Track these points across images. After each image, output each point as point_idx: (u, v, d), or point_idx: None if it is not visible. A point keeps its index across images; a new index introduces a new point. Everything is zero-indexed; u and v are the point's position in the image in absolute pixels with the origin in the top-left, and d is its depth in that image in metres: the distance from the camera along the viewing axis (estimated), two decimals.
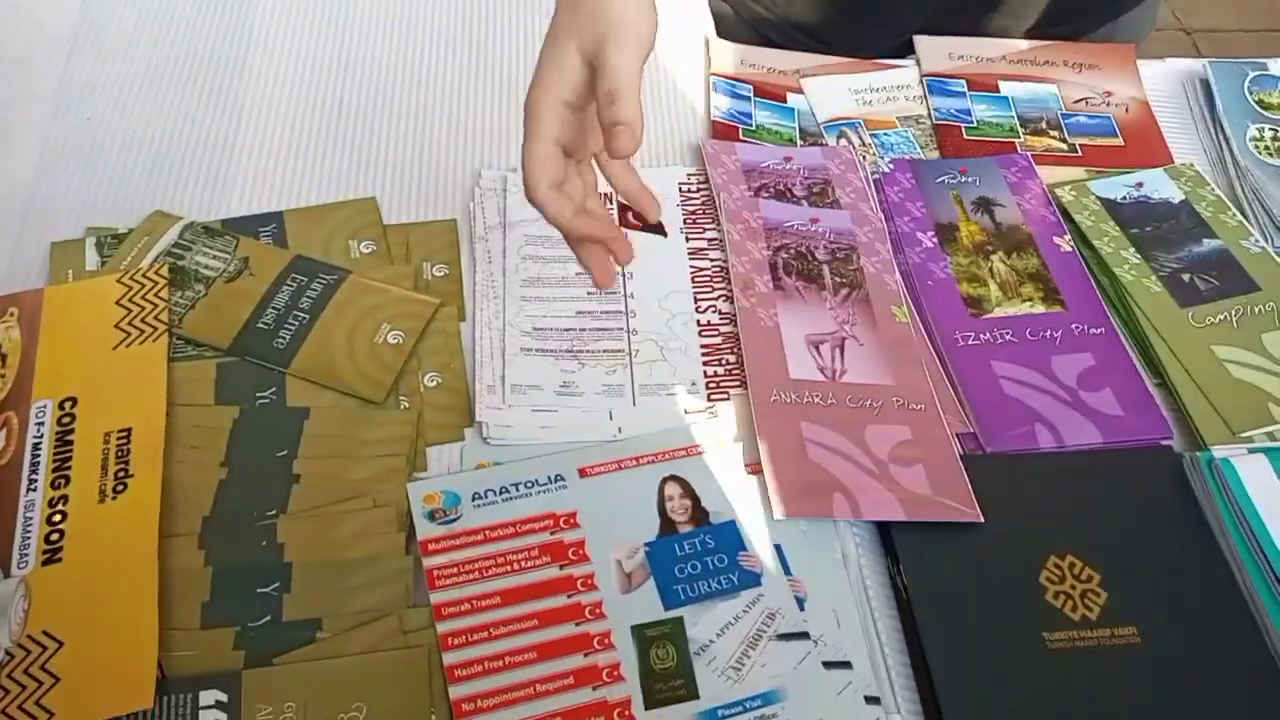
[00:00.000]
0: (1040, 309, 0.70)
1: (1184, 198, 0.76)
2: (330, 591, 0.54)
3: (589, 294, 0.69)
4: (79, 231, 0.70)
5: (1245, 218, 0.75)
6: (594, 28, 0.53)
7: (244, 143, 0.77)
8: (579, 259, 0.57)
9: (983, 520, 0.58)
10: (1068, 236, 0.74)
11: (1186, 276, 0.71)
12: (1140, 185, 0.77)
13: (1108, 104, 0.84)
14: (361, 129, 0.78)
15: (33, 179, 0.73)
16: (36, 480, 0.57)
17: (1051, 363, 0.67)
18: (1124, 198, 0.76)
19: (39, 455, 0.58)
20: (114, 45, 0.82)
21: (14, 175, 0.74)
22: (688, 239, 0.73)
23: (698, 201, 0.76)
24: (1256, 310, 0.69)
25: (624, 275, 0.70)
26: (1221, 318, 0.68)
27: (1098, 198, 0.76)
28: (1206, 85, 0.83)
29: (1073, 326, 0.69)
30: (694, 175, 0.77)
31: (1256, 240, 0.73)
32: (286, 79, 0.81)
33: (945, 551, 0.58)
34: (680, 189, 0.76)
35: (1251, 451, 0.61)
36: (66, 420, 0.59)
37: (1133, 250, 0.73)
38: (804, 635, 0.54)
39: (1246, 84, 0.83)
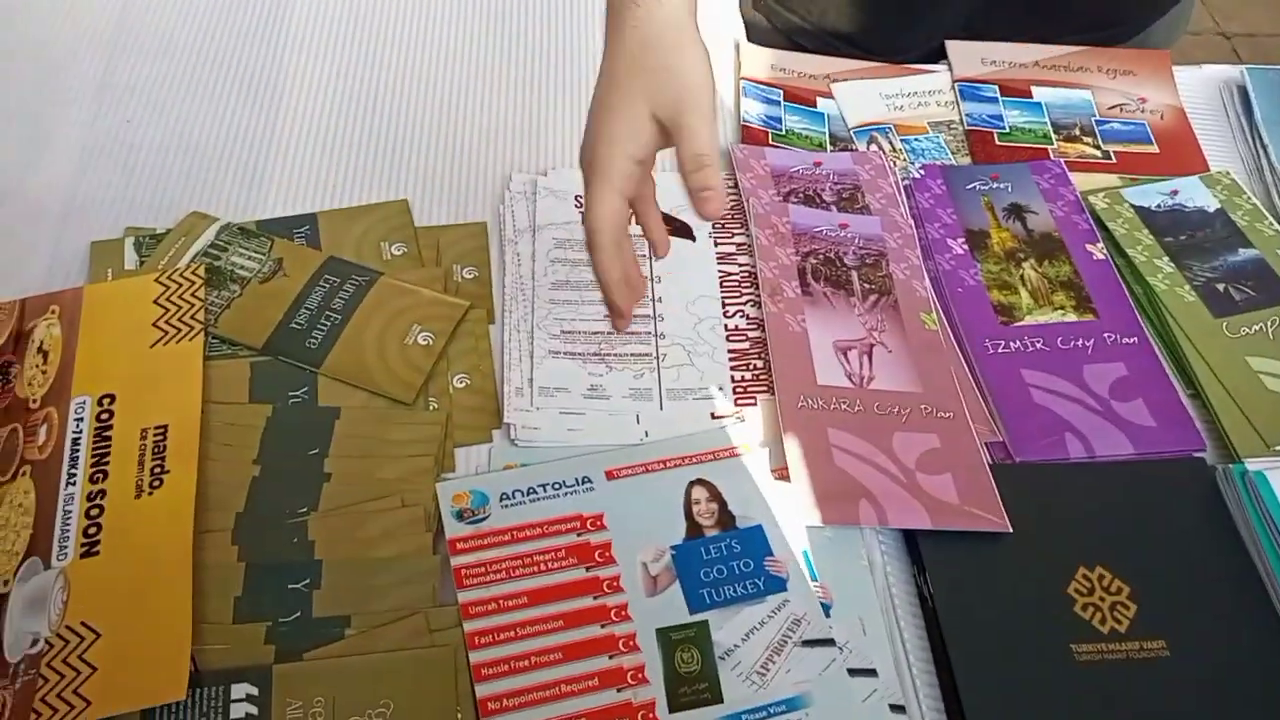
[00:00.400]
0: (1072, 317, 0.69)
1: (1219, 206, 0.75)
2: (359, 589, 0.54)
3: None
4: (118, 231, 0.72)
5: None
6: (670, 90, 0.55)
7: (279, 145, 0.78)
8: (604, 298, 0.62)
9: (1010, 530, 0.58)
10: (1101, 244, 0.73)
11: (1221, 286, 0.70)
12: (1175, 193, 0.76)
13: (1142, 110, 0.83)
14: (394, 132, 0.79)
15: (73, 179, 0.75)
16: (76, 475, 0.58)
17: (1083, 372, 0.66)
18: (1158, 206, 0.75)
19: (78, 450, 0.59)
20: (153, 47, 0.84)
21: (54, 175, 0.75)
22: (716, 244, 0.73)
23: (727, 206, 0.76)
24: None
25: (652, 279, 0.71)
26: (1257, 328, 0.68)
27: (1131, 205, 0.75)
28: (1244, 92, 0.82)
29: (1105, 335, 0.68)
30: (723, 180, 0.77)
31: None
32: (321, 82, 0.82)
33: (972, 561, 0.57)
34: None
35: None
36: (105, 416, 0.60)
37: (1167, 259, 0.72)
38: (829, 642, 0.54)
39: None
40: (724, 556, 0.57)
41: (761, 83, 0.84)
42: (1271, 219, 0.74)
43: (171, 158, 0.76)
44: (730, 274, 0.72)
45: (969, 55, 0.86)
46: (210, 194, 0.75)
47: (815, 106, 0.84)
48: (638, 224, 0.63)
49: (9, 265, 0.70)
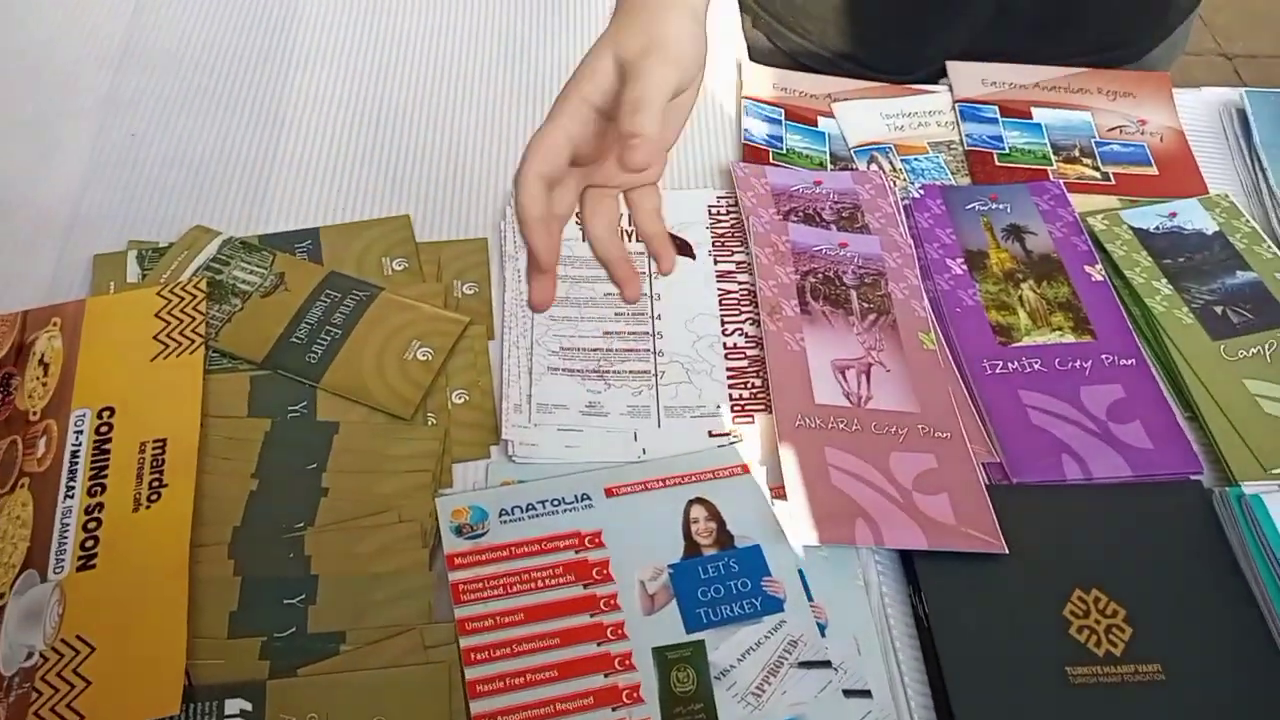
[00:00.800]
0: (1070, 339, 0.69)
1: (1218, 229, 0.75)
2: (355, 605, 0.54)
3: (616, 314, 0.70)
4: (121, 244, 0.72)
5: None
6: (638, 39, 0.52)
7: (283, 160, 0.78)
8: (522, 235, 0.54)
9: (1007, 551, 0.58)
10: (1099, 266, 0.73)
11: (1219, 309, 0.70)
12: (1174, 215, 0.76)
13: (1142, 132, 0.83)
14: (397, 148, 0.80)
15: (78, 192, 0.75)
16: (74, 487, 0.58)
17: (1080, 393, 0.66)
18: (1157, 228, 0.76)
19: (77, 463, 0.59)
20: (159, 62, 0.84)
21: (60, 188, 0.76)
22: (716, 261, 0.74)
23: (726, 224, 0.76)
24: None
25: (651, 297, 0.71)
26: (1254, 351, 0.68)
27: (1130, 227, 0.76)
28: (1243, 115, 0.83)
29: (1103, 357, 0.68)
30: (723, 198, 0.78)
31: None
32: (325, 98, 0.83)
33: (968, 582, 0.57)
34: (709, 211, 0.77)
35: None
36: (104, 429, 0.61)
37: (1165, 281, 0.72)
38: (825, 664, 0.54)
39: None
40: (722, 576, 0.57)
41: (763, 101, 0.84)
42: (1270, 242, 0.74)
43: (176, 172, 0.77)
44: (729, 292, 0.72)
45: (969, 76, 0.87)
46: (214, 208, 0.75)
47: (816, 126, 0.84)
48: (638, 238, 0.61)
49: (13, 277, 0.71)
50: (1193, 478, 0.63)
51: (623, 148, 0.49)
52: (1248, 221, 0.76)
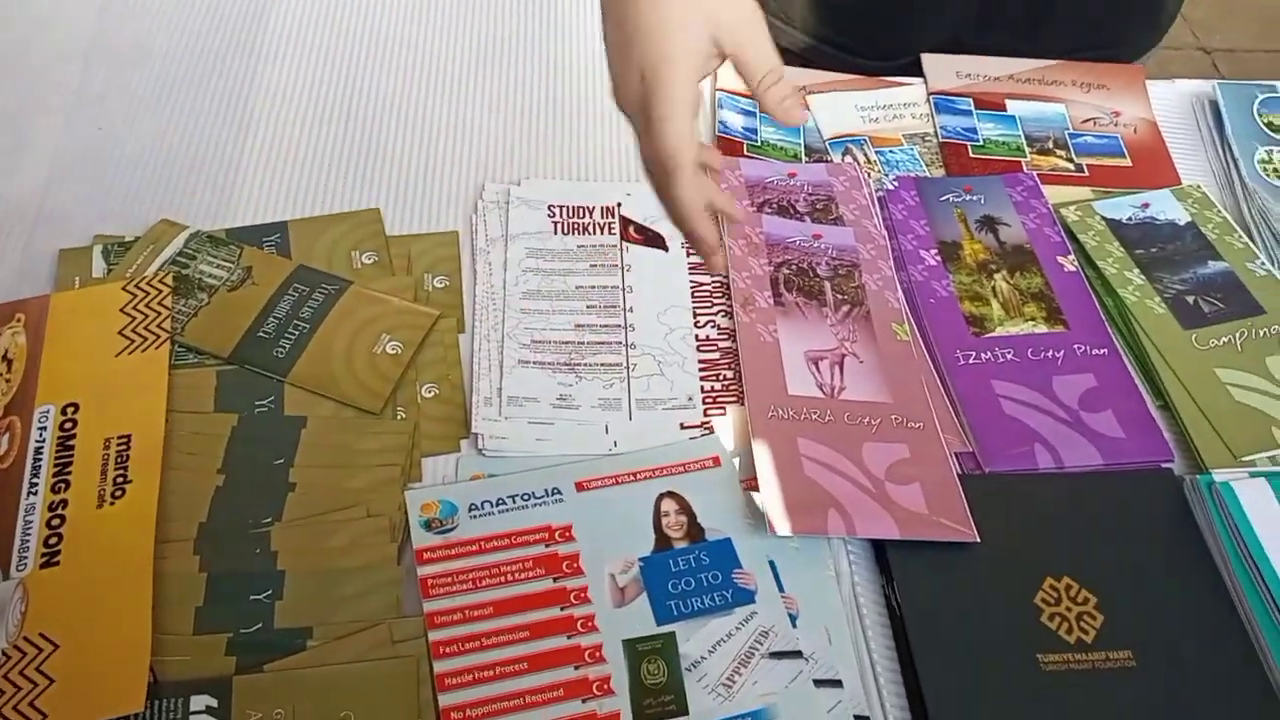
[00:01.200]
0: (1043, 329, 0.69)
1: (1190, 219, 0.75)
2: (322, 600, 0.54)
3: (588, 307, 0.69)
4: (88, 239, 0.71)
5: (1252, 240, 0.75)
6: (731, 10, 0.53)
7: (251, 154, 0.77)
8: (690, 234, 0.55)
9: (979, 540, 0.58)
10: (1072, 256, 0.73)
11: (1191, 298, 0.70)
12: (1146, 206, 0.76)
13: (1116, 124, 0.83)
14: (367, 142, 0.79)
15: (44, 187, 0.74)
16: (38, 484, 0.57)
17: (1053, 383, 0.66)
18: (1129, 218, 0.76)
19: (40, 460, 0.58)
20: (127, 57, 0.83)
21: (26, 183, 0.75)
22: (688, 253, 0.73)
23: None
24: (1261, 333, 0.68)
25: (623, 289, 0.71)
26: (1225, 340, 0.68)
27: (1103, 218, 0.76)
28: (1215, 106, 0.83)
29: (1075, 347, 0.68)
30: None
31: (1262, 263, 0.72)
32: (294, 92, 0.82)
33: (940, 571, 0.57)
34: None
35: (1252, 475, 0.60)
36: (69, 425, 0.60)
37: (1137, 271, 0.72)
38: (796, 654, 0.54)
39: (1256, 106, 0.82)
40: (692, 569, 0.57)
41: (738, 94, 0.84)
42: (1241, 232, 0.75)
43: (144, 166, 0.76)
44: (702, 284, 0.72)
45: (944, 68, 0.87)
46: (182, 202, 0.74)
47: None
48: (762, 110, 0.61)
49: None
50: (1164, 466, 0.63)
51: (783, 111, 0.53)
52: (1219, 212, 0.76)
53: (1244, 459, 0.62)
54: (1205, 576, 0.58)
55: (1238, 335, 0.68)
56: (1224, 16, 2.18)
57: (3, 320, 0.65)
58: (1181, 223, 0.75)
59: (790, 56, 0.89)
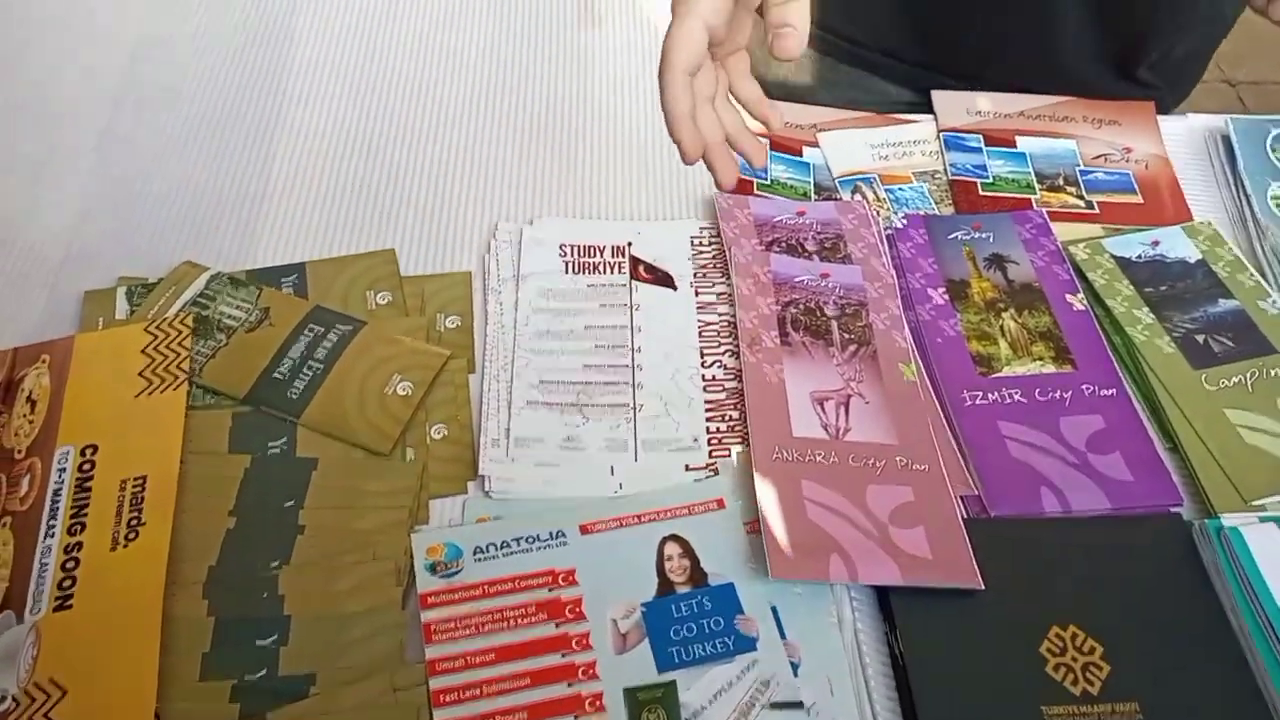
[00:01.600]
0: (1050, 369, 0.69)
1: (1200, 257, 0.75)
2: (326, 645, 0.55)
3: (596, 346, 0.70)
4: (113, 280, 0.73)
5: (1263, 278, 0.74)
6: None
7: (273, 195, 0.79)
8: (671, 134, 0.56)
9: (983, 587, 0.58)
10: (1080, 295, 0.73)
11: (1201, 338, 0.70)
12: (1156, 244, 0.76)
13: (1127, 160, 0.83)
14: (385, 183, 0.80)
15: (71, 228, 0.76)
16: (55, 526, 0.59)
17: (1060, 424, 0.66)
18: (1139, 256, 0.75)
19: (59, 501, 0.60)
20: (156, 100, 0.86)
21: (53, 225, 0.77)
22: (697, 293, 0.74)
23: (708, 255, 0.76)
24: (1272, 374, 0.67)
25: (632, 328, 0.71)
26: (1236, 380, 0.67)
27: (1112, 256, 0.76)
28: (1228, 141, 0.82)
29: (1083, 387, 0.68)
30: (705, 229, 0.78)
31: (1274, 301, 0.72)
32: (316, 134, 0.84)
33: (944, 618, 0.57)
34: (692, 242, 0.77)
35: (1263, 520, 0.60)
36: (87, 467, 0.61)
37: (1146, 310, 0.72)
38: (797, 704, 0.54)
39: (1269, 141, 0.82)
40: (695, 614, 0.57)
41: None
42: (1252, 270, 0.74)
43: (170, 207, 0.78)
44: (709, 323, 0.72)
45: (954, 105, 0.87)
46: (205, 244, 0.76)
47: (801, 155, 0.84)
48: (733, 94, 0.60)
49: (4, 314, 0.72)
50: (1173, 510, 0.63)
51: (777, 37, 0.52)
52: (1230, 249, 0.75)
53: (1254, 503, 0.62)
54: (1214, 626, 0.57)
55: (1248, 375, 0.68)
56: (1251, 49, 2.15)
57: (28, 361, 0.67)
58: (1192, 260, 0.75)
59: (790, 98, 0.89)
